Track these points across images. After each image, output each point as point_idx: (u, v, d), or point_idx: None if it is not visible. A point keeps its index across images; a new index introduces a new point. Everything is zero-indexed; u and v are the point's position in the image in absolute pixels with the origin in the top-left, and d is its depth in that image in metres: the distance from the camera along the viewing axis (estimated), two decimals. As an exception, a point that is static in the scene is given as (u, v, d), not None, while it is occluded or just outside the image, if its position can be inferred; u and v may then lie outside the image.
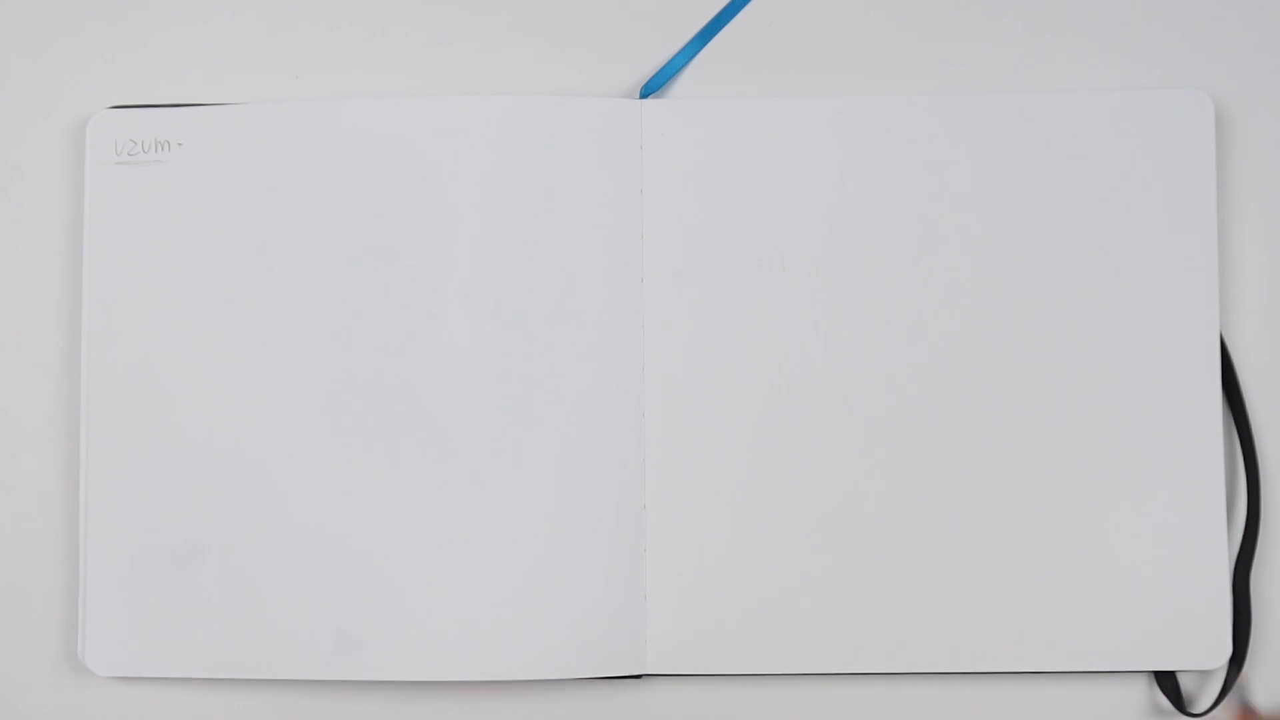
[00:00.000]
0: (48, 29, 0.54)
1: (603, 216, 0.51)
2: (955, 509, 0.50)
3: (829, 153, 0.51)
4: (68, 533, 0.52)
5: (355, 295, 0.51)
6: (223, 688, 0.51)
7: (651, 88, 0.52)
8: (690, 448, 0.49)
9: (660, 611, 0.50)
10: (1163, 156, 0.51)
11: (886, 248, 0.51)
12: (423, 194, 0.51)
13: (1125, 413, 0.50)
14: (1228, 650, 0.49)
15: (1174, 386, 0.50)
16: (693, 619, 0.50)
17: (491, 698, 0.51)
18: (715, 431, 0.50)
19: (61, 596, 0.52)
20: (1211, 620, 0.49)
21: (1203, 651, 0.50)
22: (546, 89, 0.52)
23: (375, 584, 0.51)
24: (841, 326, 0.50)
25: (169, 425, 0.51)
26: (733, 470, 0.50)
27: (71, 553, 0.52)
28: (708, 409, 0.50)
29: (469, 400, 0.51)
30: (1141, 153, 0.51)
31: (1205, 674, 0.51)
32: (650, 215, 0.51)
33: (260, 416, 0.51)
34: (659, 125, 0.51)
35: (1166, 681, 0.50)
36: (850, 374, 0.50)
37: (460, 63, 0.53)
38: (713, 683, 0.51)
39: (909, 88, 0.53)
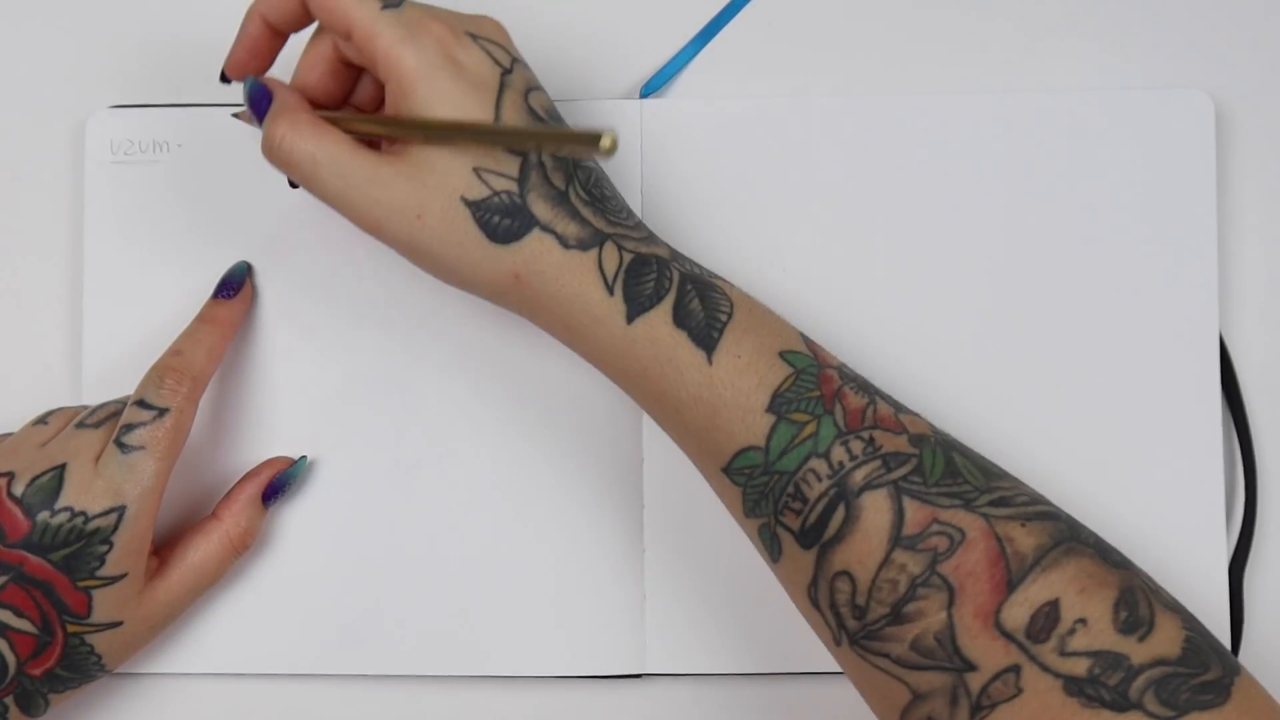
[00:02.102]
0: (48, 29, 0.54)
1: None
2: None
3: (829, 152, 0.51)
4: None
5: (356, 295, 0.51)
6: (226, 682, 0.51)
7: (651, 88, 0.52)
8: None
9: (660, 611, 0.50)
10: (1163, 156, 0.51)
11: (885, 248, 0.51)
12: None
13: (1125, 413, 0.50)
14: (1227, 650, 0.50)
15: (1174, 386, 0.50)
16: (693, 619, 0.50)
17: (491, 694, 0.51)
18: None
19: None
20: (1210, 620, 0.49)
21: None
22: (546, 89, 0.52)
23: (377, 580, 0.51)
24: (841, 326, 0.50)
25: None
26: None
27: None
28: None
29: (470, 398, 0.51)
30: (1141, 153, 0.51)
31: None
32: (650, 215, 0.51)
33: (260, 415, 0.51)
34: (659, 125, 0.51)
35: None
36: (850, 374, 0.50)
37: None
38: (713, 683, 0.51)
39: (909, 87, 0.53)
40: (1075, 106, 0.51)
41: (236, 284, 0.50)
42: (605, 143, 0.38)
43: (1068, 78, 0.52)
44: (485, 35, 0.43)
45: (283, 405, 0.51)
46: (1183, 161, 0.51)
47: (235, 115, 0.48)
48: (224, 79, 0.47)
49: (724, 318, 0.43)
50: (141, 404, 0.46)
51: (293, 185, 0.49)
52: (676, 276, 0.43)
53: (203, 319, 0.49)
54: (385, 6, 0.42)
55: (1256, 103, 0.52)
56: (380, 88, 0.46)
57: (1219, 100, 0.51)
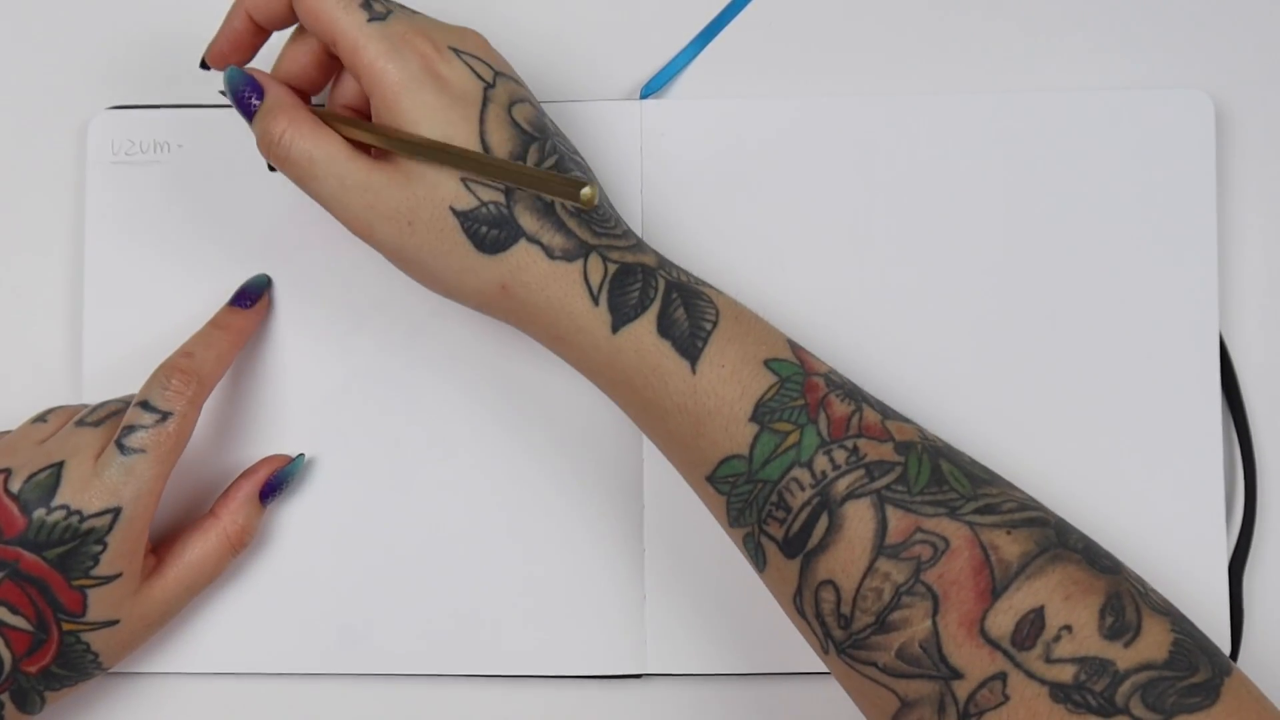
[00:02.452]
0: (49, 30, 0.54)
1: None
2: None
3: (828, 153, 0.51)
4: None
5: (356, 295, 0.51)
6: (226, 682, 0.51)
7: (652, 88, 0.52)
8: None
9: (660, 611, 0.50)
10: (1163, 156, 0.51)
11: (885, 248, 0.51)
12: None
13: (1125, 413, 0.50)
14: (1225, 649, 0.49)
15: (1174, 386, 0.50)
16: (692, 619, 0.50)
17: (491, 694, 0.51)
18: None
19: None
20: (1209, 620, 0.49)
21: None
22: (546, 90, 0.52)
23: (377, 580, 0.51)
24: (840, 326, 0.50)
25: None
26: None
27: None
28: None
29: (470, 398, 0.51)
30: (1141, 153, 0.51)
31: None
32: (649, 216, 0.51)
33: (260, 415, 0.51)
34: (659, 125, 0.51)
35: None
36: (848, 374, 0.49)
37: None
38: (712, 683, 0.51)
39: (909, 88, 0.53)
40: (1075, 106, 0.51)
41: (254, 295, 0.50)
42: (586, 193, 0.38)
43: (1068, 78, 0.52)
44: (468, 49, 0.44)
45: (282, 405, 0.51)
46: (1183, 161, 0.51)
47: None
48: (204, 66, 0.47)
49: (709, 326, 0.43)
50: (145, 406, 0.46)
51: (271, 168, 0.49)
52: (662, 285, 0.43)
53: (216, 324, 0.49)
54: (371, 19, 0.43)
55: (1256, 103, 0.52)
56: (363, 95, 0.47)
57: (1219, 100, 0.51)
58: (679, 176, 0.51)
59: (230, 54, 0.46)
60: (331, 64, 0.46)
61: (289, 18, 0.45)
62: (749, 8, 0.53)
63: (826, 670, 0.49)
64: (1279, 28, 0.52)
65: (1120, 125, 0.51)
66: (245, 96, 0.45)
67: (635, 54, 0.53)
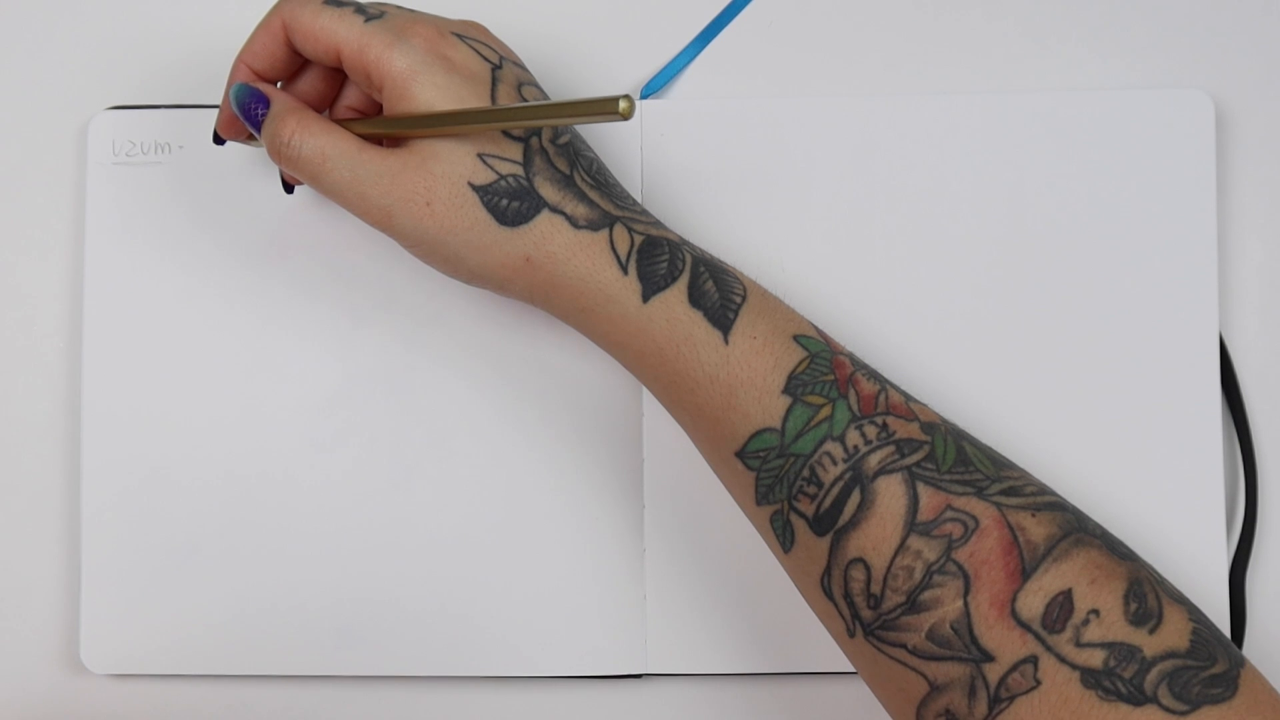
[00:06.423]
0: (49, 30, 0.54)
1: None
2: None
3: (828, 153, 0.51)
4: (67, 531, 0.52)
5: (356, 295, 0.51)
6: (222, 684, 0.51)
7: (652, 88, 0.52)
8: (689, 446, 0.49)
9: (660, 611, 0.50)
10: (1163, 156, 0.51)
11: (885, 248, 0.51)
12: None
13: (1125, 412, 0.50)
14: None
15: (1174, 386, 0.50)
16: (693, 619, 0.50)
17: (491, 695, 0.51)
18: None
19: (60, 594, 0.52)
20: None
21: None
22: (546, 90, 0.52)
23: (376, 581, 0.51)
24: (840, 327, 0.50)
25: (169, 424, 0.51)
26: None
27: (71, 551, 0.52)
28: (708, 409, 0.50)
29: (469, 398, 0.51)
30: (1141, 153, 0.51)
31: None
32: (650, 215, 0.51)
33: (260, 415, 0.51)
34: (659, 125, 0.51)
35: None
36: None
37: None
38: (713, 683, 0.51)
39: (909, 88, 0.53)
40: (1075, 106, 0.51)
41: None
42: (623, 105, 0.38)
43: (1068, 78, 0.52)
44: (472, 36, 0.44)
45: (282, 405, 0.51)
46: (1183, 161, 0.51)
47: (220, 136, 0.48)
48: (218, 140, 0.48)
49: (738, 299, 0.43)
50: None
51: (288, 190, 0.49)
52: (689, 258, 0.43)
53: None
54: (368, 20, 0.43)
55: (1256, 103, 0.52)
56: (366, 97, 0.47)
57: (1219, 100, 0.51)
58: (679, 176, 0.51)
59: (237, 120, 0.46)
60: (336, 80, 0.46)
61: (289, 60, 0.45)
62: (749, 8, 0.53)
63: (828, 670, 0.50)
64: (1279, 28, 0.52)
65: (1120, 125, 0.51)
66: (252, 109, 0.44)
67: (635, 54, 0.53)
